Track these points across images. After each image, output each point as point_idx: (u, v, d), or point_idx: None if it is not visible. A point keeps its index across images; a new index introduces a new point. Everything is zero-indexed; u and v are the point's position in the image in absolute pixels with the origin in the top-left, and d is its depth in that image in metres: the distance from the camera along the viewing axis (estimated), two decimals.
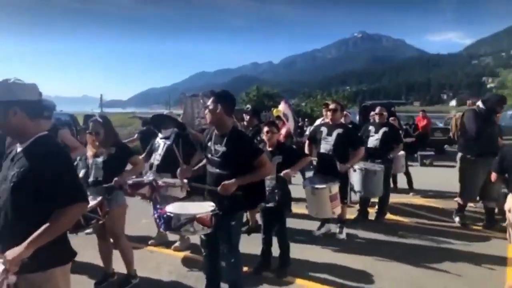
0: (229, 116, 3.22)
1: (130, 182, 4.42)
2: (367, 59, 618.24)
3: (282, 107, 6.30)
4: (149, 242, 5.14)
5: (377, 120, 6.28)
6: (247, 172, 3.09)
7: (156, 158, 4.89)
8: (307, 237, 5.41)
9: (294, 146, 6.25)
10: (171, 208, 2.98)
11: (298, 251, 4.87)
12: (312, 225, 5.64)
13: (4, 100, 1.96)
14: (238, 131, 3.38)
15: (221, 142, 3.16)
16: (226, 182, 2.99)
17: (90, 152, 3.97)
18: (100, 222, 3.63)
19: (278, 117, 6.23)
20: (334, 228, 5.49)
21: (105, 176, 3.81)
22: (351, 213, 6.38)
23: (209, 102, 3.16)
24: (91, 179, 3.89)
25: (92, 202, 3.59)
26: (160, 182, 4.05)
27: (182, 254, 4.86)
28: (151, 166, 4.98)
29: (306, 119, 22.32)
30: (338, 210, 4.85)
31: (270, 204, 3.86)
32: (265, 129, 4.19)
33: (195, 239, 5.27)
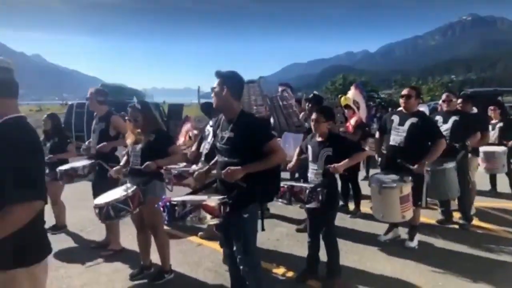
0: (236, 99, 2.87)
1: (175, 172, 4.23)
2: (477, 45, 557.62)
3: (352, 93, 5.56)
4: (198, 234, 4.93)
5: (444, 109, 5.20)
6: (257, 160, 2.71)
7: (205, 147, 4.64)
8: (370, 243, 4.70)
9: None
10: (177, 197, 2.70)
11: (356, 258, 4.24)
12: (379, 228, 4.90)
13: None
14: (247, 114, 2.97)
15: (228, 128, 2.84)
16: (232, 167, 2.65)
17: (129, 139, 3.83)
18: (130, 214, 3.49)
19: (348, 106, 5.54)
20: (404, 234, 4.69)
21: (142, 164, 3.63)
22: (431, 217, 5.48)
23: (215, 84, 2.83)
24: (129, 167, 3.78)
25: (123, 192, 3.47)
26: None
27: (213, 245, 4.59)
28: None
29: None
30: (409, 214, 4.11)
31: (312, 205, 3.31)
32: (312, 116, 3.63)
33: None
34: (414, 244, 4.51)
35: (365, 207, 5.59)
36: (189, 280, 3.81)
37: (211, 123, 4.79)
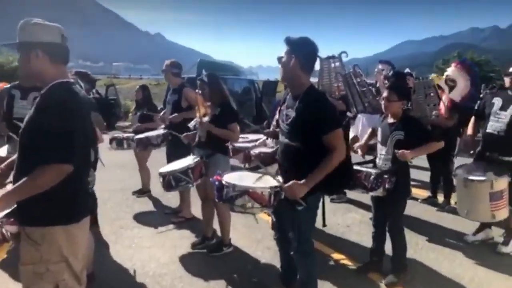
0: (305, 72, 2.49)
1: (236, 145, 4.20)
2: None
3: (451, 70, 4.80)
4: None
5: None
6: (316, 148, 2.38)
7: (273, 124, 4.51)
8: (454, 241, 4.14)
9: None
10: (227, 177, 2.58)
11: (432, 256, 3.79)
12: (470, 227, 4.28)
13: (26, 41, 1.89)
14: (316, 92, 2.59)
15: (293, 105, 2.51)
16: (293, 183, 2.34)
17: (199, 112, 3.89)
18: (190, 185, 3.56)
19: (439, 86, 4.83)
20: (498, 236, 4.04)
21: (207, 137, 3.68)
22: None
23: (282, 53, 2.49)
24: (197, 139, 3.85)
25: (187, 163, 3.55)
26: (252, 152, 3.66)
27: None
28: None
29: None
30: (501, 214, 3.52)
31: (377, 193, 2.98)
32: (383, 94, 3.24)
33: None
34: (508, 249, 3.85)
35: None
36: (246, 256, 3.81)
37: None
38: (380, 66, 5.78)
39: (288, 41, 2.48)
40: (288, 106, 2.57)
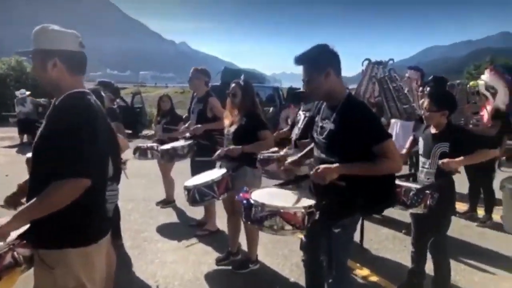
0: (340, 78, 2.25)
1: (260, 156, 4.01)
2: None
3: (486, 77, 4.51)
4: None
5: None
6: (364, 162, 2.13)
7: (295, 132, 4.31)
8: (501, 262, 3.80)
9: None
10: (255, 194, 2.37)
11: (476, 279, 3.49)
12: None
13: (43, 49, 1.77)
14: (356, 100, 2.32)
15: (330, 116, 2.26)
16: (324, 165, 2.12)
17: (227, 120, 3.71)
18: (216, 199, 3.37)
19: (478, 92, 4.53)
20: None
21: None
22: None
23: (303, 74, 2.26)
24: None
25: (212, 177, 3.37)
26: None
27: None
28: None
29: None
30: None
31: (417, 210, 2.72)
32: (424, 104, 2.98)
33: None
34: None
35: (498, 215, 4.60)
36: (273, 274, 3.60)
37: (302, 108, 4.42)
38: (408, 73, 5.53)
39: (301, 59, 2.21)
40: (324, 118, 2.32)
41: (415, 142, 3.23)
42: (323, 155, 2.29)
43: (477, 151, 2.77)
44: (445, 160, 2.75)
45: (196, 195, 3.26)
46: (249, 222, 2.32)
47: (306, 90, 2.33)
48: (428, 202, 2.70)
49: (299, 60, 2.21)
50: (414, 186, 2.75)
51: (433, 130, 2.97)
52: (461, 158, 2.73)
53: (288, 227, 2.16)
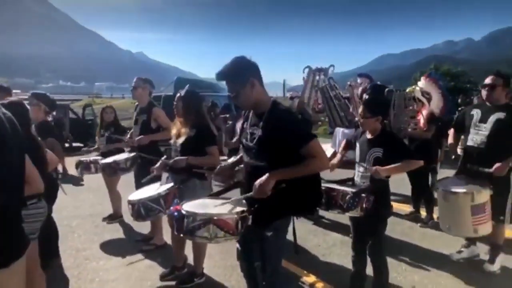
0: (262, 86, 2.33)
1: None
2: None
3: (422, 83, 4.74)
4: None
5: None
6: (293, 164, 2.19)
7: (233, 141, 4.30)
8: (439, 261, 3.95)
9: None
10: (187, 206, 2.34)
11: (416, 278, 3.60)
12: (455, 243, 4.10)
13: None
14: (281, 107, 2.37)
15: (258, 123, 2.32)
16: (259, 181, 2.15)
17: (173, 131, 3.60)
18: (162, 214, 3.24)
19: (416, 98, 4.74)
20: (483, 254, 3.87)
21: None
22: None
23: (228, 89, 2.37)
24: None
25: (158, 190, 3.25)
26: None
27: None
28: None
29: None
30: (484, 229, 3.38)
31: (354, 213, 2.77)
32: (359, 110, 3.07)
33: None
34: (495, 268, 3.67)
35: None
36: (220, 286, 3.53)
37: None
38: (359, 80, 5.72)
39: (223, 75, 2.28)
40: (253, 124, 2.37)
41: (347, 146, 3.31)
42: (252, 161, 2.33)
43: (403, 162, 2.86)
44: (374, 168, 2.84)
45: (142, 210, 3.14)
46: (181, 234, 2.27)
47: (236, 104, 2.41)
48: (364, 205, 2.75)
49: (221, 76, 2.28)
50: (350, 189, 2.79)
51: (368, 136, 3.05)
52: (388, 167, 2.83)
53: (221, 234, 2.15)
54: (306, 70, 5.33)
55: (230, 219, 2.17)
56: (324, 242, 4.52)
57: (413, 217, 5.30)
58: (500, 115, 3.52)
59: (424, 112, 4.76)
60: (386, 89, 4.56)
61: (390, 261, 3.90)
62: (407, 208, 5.60)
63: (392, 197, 5.89)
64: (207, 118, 3.56)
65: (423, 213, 5.30)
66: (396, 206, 5.80)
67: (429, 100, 4.69)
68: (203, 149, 3.34)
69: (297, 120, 2.33)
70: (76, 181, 7.54)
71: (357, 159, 3.09)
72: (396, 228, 4.91)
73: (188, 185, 3.33)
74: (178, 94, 3.51)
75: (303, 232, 4.84)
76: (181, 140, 3.41)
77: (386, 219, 3.01)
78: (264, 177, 2.14)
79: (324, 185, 2.82)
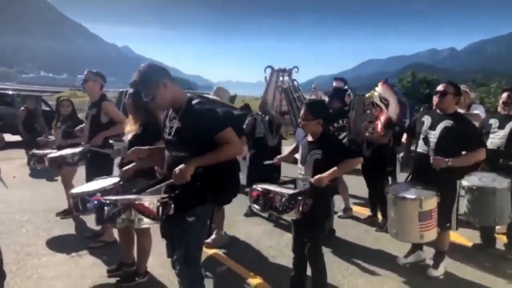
0: (175, 85, 2.50)
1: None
2: None
3: (379, 89, 4.76)
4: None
5: (503, 111, 4.17)
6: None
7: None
8: (386, 264, 3.95)
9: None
10: (109, 196, 2.37)
11: (360, 282, 3.59)
12: (406, 248, 4.13)
13: None
14: (196, 101, 2.52)
15: (176, 117, 2.48)
16: (180, 166, 2.26)
17: (127, 128, 3.56)
18: None
19: (374, 103, 4.76)
20: (428, 259, 3.91)
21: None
22: (469, 238, 4.56)
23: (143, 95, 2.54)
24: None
25: (99, 185, 3.21)
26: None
27: (211, 252, 4.18)
28: None
29: None
30: (430, 235, 3.39)
31: (290, 216, 2.74)
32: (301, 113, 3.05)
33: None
34: (438, 273, 3.70)
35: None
36: (161, 285, 3.46)
37: None
38: (334, 83, 5.76)
39: (136, 84, 2.44)
40: (172, 119, 2.51)
41: (296, 148, 3.30)
42: (174, 153, 2.44)
43: (343, 162, 2.85)
44: (316, 178, 2.82)
45: (79, 204, 3.11)
46: (102, 224, 2.32)
47: (154, 105, 2.62)
48: (301, 208, 2.72)
49: (135, 85, 2.45)
50: (286, 191, 2.76)
51: (309, 138, 3.04)
52: (329, 172, 2.81)
53: (143, 218, 2.23)
54: (268, 70, 5.29)
55: (151, 203, 2.25)
56: (277, 244, 4.49)
57: (370, 221, 5.33)
58: (448, 123, 3.55)
59: (382, 117, 4.79)
60: (347, 93, 4.56)
61: (339, 264, 3.95)
62: (366, 212, 5.63)
63: (353, 200, 6.05)
64: (155, 114, 3.45)
65: (380, 217, 5.33)
66: (356, 210, 5.84)
67: (387, 105, 4.72)
68: (150, 145, 3.27)
69: (210, 111, 2.44)
70: (46, 174, 7.35)
71: (299, 162, 3.07)
72: (352, 232, 4.94)
73: (132, 183, 3.25)
74: (129, 91, 3.47)
75: (259, 233, 4.83)
76: (129, 137, 3.38)
77: (324, 223, 3.00)
78: (183, 164, 2.25)
79: (260, 186, 2.82)
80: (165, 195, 2.34)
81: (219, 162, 2.34)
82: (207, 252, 4.14)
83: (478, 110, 5.35)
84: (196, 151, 2.31)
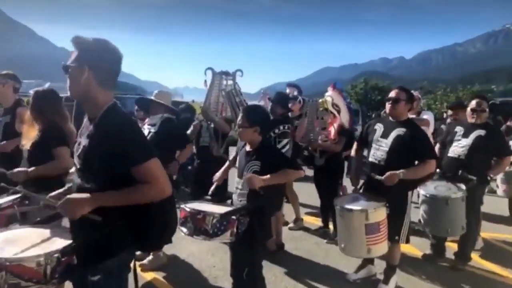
0: (104, 87, 1.78)
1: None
2: None
3: (330, 94, 4.54)
4: (138, 264, 4.08)
5: (470, 119, 4.07)
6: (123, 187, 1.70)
7: None
8: (336, 281, 3.71)
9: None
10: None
11: None
12: (356, 263, 3.89)
13: None
14: (119, 112, 1.81)
15: (86, 132, 1.81)
16: (72, 196, 1.69)
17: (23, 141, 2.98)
18: None
19: (327, 110, 4.55)
20: (379, 273, 3.70)
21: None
22: (420, 247, 4.42)
23: (69, 60, 1.77)
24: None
25: None
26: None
27: (149, 277, 3.76)
28: None
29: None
30: (378, 250, 3.17)
31: (223, 239, 2.38)
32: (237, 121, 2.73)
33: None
34: (389, 287, 3.50)
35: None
36: None
37: (148, 121, 4.00)
38: (288, 90, 5.52)
39: (77, 42, 1.73)
40: (83, 132, 1.84)
41: (235, 160, 2.96)
42: (78, 180, 1.79)
43: (281, 171, 2.55)
44: (248, 175, 2.50)
45: None
46: None
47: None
48: (235, 230, 2.38)
49: (75, 41, 1.73)
50: (218, 212, 2.40)
51: (247, 148, 2.72)
52: (267, 176, 2.51)
53: (20, 283, 1.62)
54: (209, 72, 4.91)
55: (32, 263, 1.64)
56: (221, 262, 4.11)
57: (321, 232, 5.08)
58: (400, 131, 3.37)
59: (335, 124, 4.58)
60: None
61: (286, 283, 3.64)
62: (318, 222, 5.38)
63: (304, 210, 5.77)
64: (55, 117, 2.94)
65: (332, 228, 5.10)
66: (308, 220, 5.58)
67: (339, 112, 4.51)
68: (51, 153, 2.79)
69: (137, 130, 1.82)
70: None
71: (237, 174, 2.73)
72: (301, 245, 4.67)
73: (32, 202, 2.73)
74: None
75: (202, 250, 4.42)
76: (27, 146, 2.84)
77: (262, 244, 2.67)
78: (81, 196, 1.66)
79: (188, 206, 2.43)
80: (57, 249, 1.70)
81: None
82: (144, 277, 3.71)
83: (427, 115, 5.31)
84: (105, 184, 1.69)
